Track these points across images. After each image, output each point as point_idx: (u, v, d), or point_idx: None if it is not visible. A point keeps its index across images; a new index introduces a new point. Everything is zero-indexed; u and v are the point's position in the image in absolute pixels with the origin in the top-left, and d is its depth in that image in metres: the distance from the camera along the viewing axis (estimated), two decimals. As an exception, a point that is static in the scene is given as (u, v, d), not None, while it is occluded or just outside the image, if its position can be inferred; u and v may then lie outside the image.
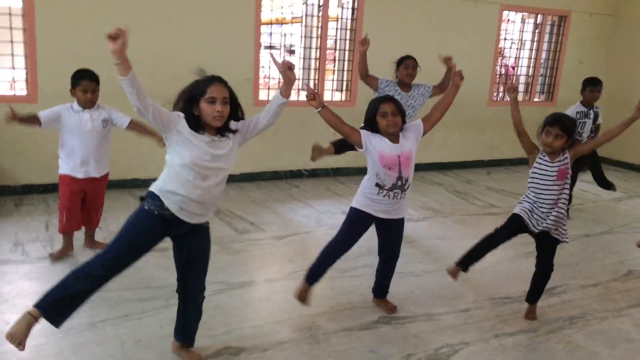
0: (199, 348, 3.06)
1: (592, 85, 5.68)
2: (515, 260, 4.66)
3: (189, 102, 2.59)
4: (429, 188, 6.82)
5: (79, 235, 4.38)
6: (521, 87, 8.55)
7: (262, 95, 6.62)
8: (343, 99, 7.00)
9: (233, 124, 2.74)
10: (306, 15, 6.69)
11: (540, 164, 3.48)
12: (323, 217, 5.42)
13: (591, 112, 5.70)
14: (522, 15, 8.20)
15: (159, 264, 4.14)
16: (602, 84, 5.77)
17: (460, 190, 6.79)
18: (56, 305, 2.62)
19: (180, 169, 2.61)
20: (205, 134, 2.61)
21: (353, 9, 6.74)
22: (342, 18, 6.83)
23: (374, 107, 3.25)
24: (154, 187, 2.71)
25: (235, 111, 2.72)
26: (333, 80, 7.07)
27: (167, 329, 3.23)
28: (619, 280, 4.37)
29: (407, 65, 4.90)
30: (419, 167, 7.33)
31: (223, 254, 4.42)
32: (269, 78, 6.97)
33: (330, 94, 6.98)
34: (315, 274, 3.51)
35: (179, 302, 2.95)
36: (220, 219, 5.21)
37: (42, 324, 3.12)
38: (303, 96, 6.79)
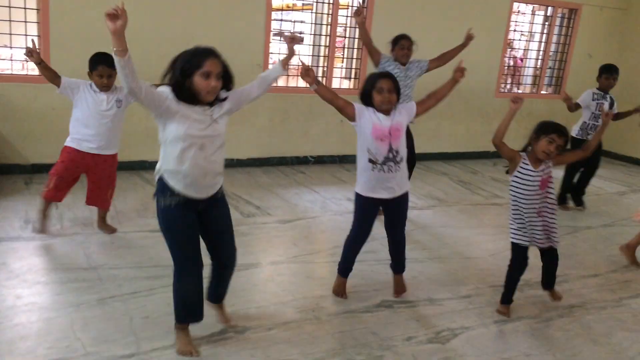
0: (206, 325, 3.14)
1: (607, 73, 5.72)
2: (517, 249, 4.71)
3: (182, 74, 2.55)
4: (435, 177, 6.86)
5: (88, 215, 4.47)
6: (529, 80, 8.56)
7: (271, 81, 6.67)
8: (352, 86, 7.03)
9: (223, 92, 2.73)
10: (317, 1, 6.70)
11: (523, 171, 3.38)
12: (328, 203, 5.49)
13: (607, 96, 5.72)
14: (533, 7, 8.19)
15: (165, 244, 4.21)
16: (618, 72, 5.78)
17: (465, 180, 6.84)
18: (186, 313, 2.90)
19: (176, 143, 2.61)
20: (197, 105, 2.61)
21: (363, -4, 6.76)
22: (352, 5, 6.85)
23: (371, 81, 3.30)
24: (156, 173, 2.76)
25: (227, 82, 2.71)
26: (342, 68, 7.10)
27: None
28: (618, 272, 4.42)
29: (402, 45, 5.02)
30: (425, 157, 7.39)
31: (229, 236, 4.49)
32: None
33: (339, 81, 7.01)
34: (345, 267, 3.63)
35: (213, 270, 3.03)
36: (228, 202, 5.27)
37: (51, 298, 3.23)
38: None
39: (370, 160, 3.31)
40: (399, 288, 3.70)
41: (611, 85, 5.72)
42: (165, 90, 2.59)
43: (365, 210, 3.48)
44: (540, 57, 8.37)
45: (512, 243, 3.54)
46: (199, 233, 2.83)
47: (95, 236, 4.27)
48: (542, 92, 8.54)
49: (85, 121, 4.02)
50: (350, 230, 3.60)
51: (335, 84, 6.95)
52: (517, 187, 3.41)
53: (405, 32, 6.87)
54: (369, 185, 3.38)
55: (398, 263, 3.70)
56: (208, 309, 3.08)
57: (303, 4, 6.76)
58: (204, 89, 2.55)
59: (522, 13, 8.26)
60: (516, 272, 3.56)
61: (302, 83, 6.88)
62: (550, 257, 3.63)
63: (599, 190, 6.89)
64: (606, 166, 8.29)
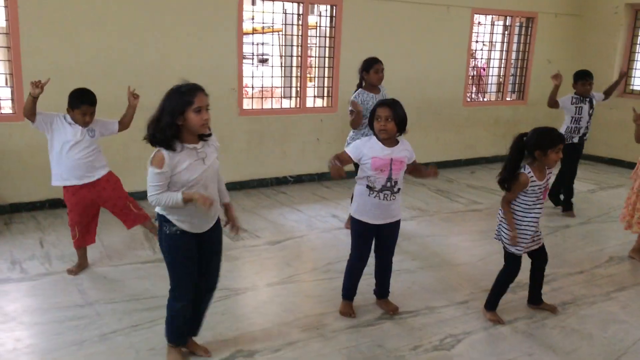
0: (212, 352, 3.14)
1: (582, 80, 5.83)
2: (503, 253, 4.83)
3: (173, 115, 2.61)
4: (413, 188, 6.98)
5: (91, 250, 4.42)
6: (493, 87, 8.83)
7: (246, 104, 6.71)
8: (324, 105, 7.13)
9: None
10: (286, 24, 6.81)
11: (533, 186, 3.39)
12: (314, 221, 5.53)
13: (586, 99, 5.88)
14: (492, 18, 8.47)
15: (160, 275, 4.17)
16: (592, 77, 5.90)
17: (443, 189, 6.98)
18: (179, 334, 3.03)
19: (181, 187, 2.71)
20: (189, 146, 2.70)
21: (331, 16, 6.89)
22: (320, 26, 6.98)
23: (373, 109, 3.40)
24: (160, 210, 2.81)
25: None
26: (314, 87, 7.20)
27: (179, 336, 3.31)
28: (602, 267, 4.59)
29: (377, 69, 5.02)
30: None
31: (222, 262, 4.47)
32: (251, 87, 7.06)
33: (313, 100, 7.11)
34: (349, 292, 3.68)
35: (197, 297, 3.02)
36: (214, 227, 5.27)
37: (51, 338, 3.17)
38: (285, 104, 6.93)
39: (368, 187, 3.39)
40: (391, 308, 3.72)
41: (587, 91, 5.86)
42: (161, 157, 2.64)
43: (362, 235, 3.53)
44: (502, 65, 8.65)
45: (513, 255, 3.56)
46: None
47: (87, 272, 4.21)
48: (507, 98, 8.81)
49: (59, 156, 3.99)
50: (349, 256, 3.64)
51: (309, 103, 7.04)
52: (527, 203, 3.44)
53: (372, 49, 7.05)
54: (364, 208, 3.44)
55: (383, 287, 3.76)
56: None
57: (273, 28, 6.83)
58: (198, 122, 2.65)
59: (483, 24, 8.54)
60: (511, 279, 3.63)
61: (276, 104, 6.96)
62: (543, 254, 3.72)
63: (571, 190, 7.11)
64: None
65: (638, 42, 8.50)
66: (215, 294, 3.84)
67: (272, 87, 6.83)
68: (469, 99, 8.45)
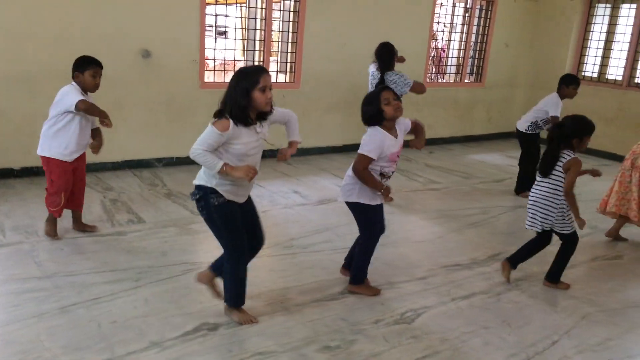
0: (177, 324, 3.14)
1: (575, 84, 5.90)
2: (460, 231, 4.99)
3: (244, 94, 2.84)
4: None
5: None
6: (452, 69, 8.96)
7: (208, 76, 6.60)
8: (287, 80, 7.09)
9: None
10: (249, -4, 6.70)
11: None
12: (276, 197, 5.54)
13: None
14: (453, 0, 8.56)
15: (120, 247, 4.14)
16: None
17: (402, 168, 7.08)
18: (242, 297, 3.24)
19: (236, 161, 2.93)
20: (251, 125, 2.92)
21: (296, -9, 6.82)
22: (284, 0, 6.89)
23: (375, 98, 3.42)
24: (205, 182, 3.01)
25: None
26: (277, 62, 7.14)
27: (142, 309, 3.29)
28: (552, 245, 4.75)
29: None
30: (355, 148, 7.57)
31: (182, 235, 4.46)
32: (212, 60, 6.93)
33: (275, 75, 7.05)
34: (364, 274, 3.71)
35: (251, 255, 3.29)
36: (174, 201, 5.22)
37: (10, 311, 3.11)
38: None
39: (382, 174, 3.49)
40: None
41: (573, 96, 5.97)
42: (222, 134, 2.86)
43: (376, 216, 3.62)
44: (462, 48, 8.78)
45: (574, 234, 3.88)
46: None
47: (43, 244, 4.11)
48: (465, 80, 8.97)
49: (78, 132, 4.02)
50: (363, 241, 3.65)
51: (272, 78, 6.97)
52: (562, 184, 3.74)
53: (336, 26, 7.05)
54: (373, 194, 3.51)
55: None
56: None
57: (236, -1, 6.72)
58: (264, 101, 2.86)
59: (445, 5, 8.61)
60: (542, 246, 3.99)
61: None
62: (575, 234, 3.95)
63: (523, 171, 7.35)
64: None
65: (591, 30, 8.76)
66: (178, 267, 3.89)
67: (234, 60, 6.74)
68: (428, 80, 8.56)
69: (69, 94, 3.89)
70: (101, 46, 5.60)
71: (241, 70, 2.93)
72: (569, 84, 5.91)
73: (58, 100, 3.93)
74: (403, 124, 3.59)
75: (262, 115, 2.98)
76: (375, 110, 3.41)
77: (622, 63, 8.38)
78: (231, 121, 2.86)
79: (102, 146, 4.21)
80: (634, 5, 8.18)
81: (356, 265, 3.68)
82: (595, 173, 4.02)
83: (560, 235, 3.91)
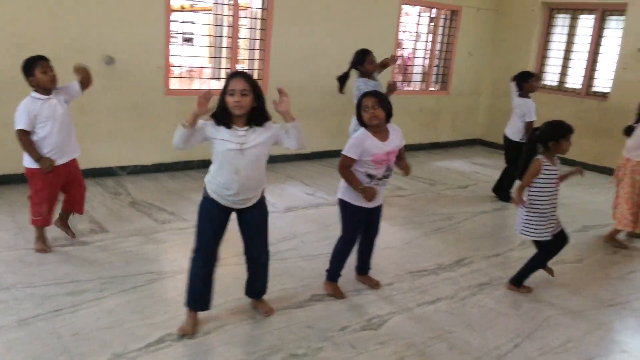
0: (139, 337, 3.09)
1: (532, 77, 6.13)
2: (426, 237, 5.04)
3: (222, 98, 2.96)
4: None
5: None
6: (418, 77, 9.08)
7: (173, 83, 6.54)
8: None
9: (271, 124, 3.07)
10: (216, 3, 6.67)
11: (547, 172, 3.74)
12: (242, 205, 5.51)
13: None
14: (419, 9, 8.70)
15: (82, 258, 4.06)
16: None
17: (369, 175, 7.15)
18: (190, 299, 3.21)
19: (216, 160, 3.05)
20: (233, 127, 2.97)
21: (262, -1, 6.83)
22: (252, 7, 6.89)
23: (358, 103, 3.50)
24: (205, 177, 3.17)
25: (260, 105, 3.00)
26: (244, 69, 7.12)
27: (105, 320, 3.23)
28: (515, 250, 4.88)
29: (371, 60, 5.47)
30: (329, 154, 7.59)
31: (147, 245, 4.39)
32: (178, 67, 6.88)
33: (241, 83, 7.02)
34: (336, 273, 3.78)
35: (248, 266, 3.41)
36: (138, 210, 5.14)
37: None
38: (214, 85, 6.81)
39: (369, 175, 3.51)
40: (374, 283, 3.94)
41: (536, 88, 6.24)
42: (206, 123, 3.00)
43: (357, 217, 3.64)
44: (427, 56, 8.91)
45: (539, 242, 3.90)
46: (223, 231, 3.20)
47: (1, 254, 3.99)
48: (431, 88, 9.10)
49: (46, 137, 3.90)
50: (340, 239, 3.73)
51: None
52: (542, 188, 3.76)
53: (303, 34, 7.08)
54: (358, 198, 3.54)
55: (365, 264, 3.97)
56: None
57: (203, 6, 6.67)
58: (230, 104, 2.92)
59: (410, 15, 8.74)
60: (545, 261, 4.01)
61: (204, 85, 6.83)
62: (563, 236, 3.98)
63: (487, 178, 7.49)
64: (489, 156, 9.05)
65: (551, 40, 9.00)
66: (142, 277, 3.82)
67: (200, 67, 6.70)
68: (395, 88, 8.64)
69: (16, 117, 3.84)
70: (63, 52, 5.49)
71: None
72: (527, 78, 6.10)
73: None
74: (398, 136, 3.61)
75: (254, 121, 2.98)
76: (358, 113, 3.51)
77: (581, 72, 8.63)
78: (210, 121, 2.99)
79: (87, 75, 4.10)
80: (592, 16, 8.44)
81: (330, 261, 3.78)
82: (579, 172, 3.97)
83: (535, 243, 3.98)
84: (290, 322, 3.38)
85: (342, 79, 5.56)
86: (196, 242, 3.17)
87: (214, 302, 3.51)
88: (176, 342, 3.08)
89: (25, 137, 3.83)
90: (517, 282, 4.06)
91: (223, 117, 2.96)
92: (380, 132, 3.50)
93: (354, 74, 5.59)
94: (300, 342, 3.17)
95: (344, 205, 3.64)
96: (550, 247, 3.94)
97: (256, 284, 3.47)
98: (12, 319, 3.16)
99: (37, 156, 3.86)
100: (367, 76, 5.47)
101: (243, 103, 2.89)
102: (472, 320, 3.58)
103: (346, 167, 3.50)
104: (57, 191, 4.12)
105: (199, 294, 3.21)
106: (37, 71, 3.81)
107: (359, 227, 3.70)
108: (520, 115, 6.14)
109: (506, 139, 6.35)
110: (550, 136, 3.74)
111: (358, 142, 3.46)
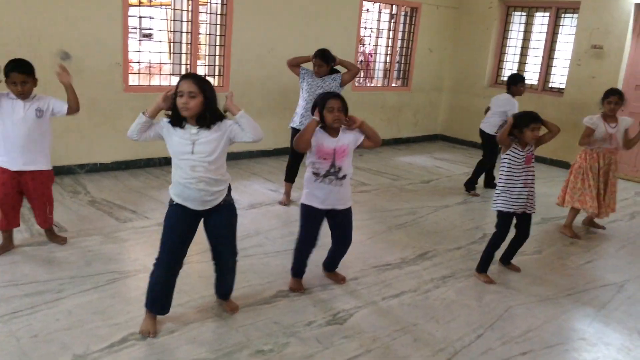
0: (102, 336, 3.03)
1: (522, 82, 6.41)
2: (389, 231, 5.09)
3: (174, 99, 2.96)
4: (303, 170, 7.10)
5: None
6: (380, 74, 9.15)
7: (132, 79, 6.41)
8: (216, 84, 7.00)
9: (227, 122, 3.05)
10: (175, -2, 6.57)
11: (513, 153, 4.04)
12: (206, 202, 5.45)
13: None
14: (379, 6, 8.76)
15: (40, 258, 3.95)
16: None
17: (332, 171, 7.17)
18: (150, 301, 3.16)
19: (173, 162, 3.05)
20: (185, 126, 2.98)
21: (223, -6, 6.76)
22: (211, 2, 6.81)
23: (322, 101, 3.50)
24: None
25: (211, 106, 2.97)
26: (205, 65, 7.04)
27: (65, 321, 3.16)
28: (477, 243, 4.98)
29: (313, 63, 5.38)
30: (289, 151, 7.57)
31: (108, 244, 4.30)
32: (137, 63, 6.74)
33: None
34: (299, 269, 3.81)
35: (216, 268, 3.38)
36: (98, 209, 5.02)
37: None
38: (174, 81, 6.72)
39: (314, 173, 3.55)
40: (340, 279, 3.98)
41: (522, 93, 6.43)
42: (161, 122, 3.05)
43: (309, 217, 3.66)
44: (389, 52, 8.99)
45: (500, 212, 4.11)
46: (192, 236, 3.17)
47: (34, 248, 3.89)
48: (393, 84, 9.18)
49: (5, 133, 3.77)
50: (297, 238, 3.76)
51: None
52: (509, 165, 4.07)
53: (263, 30, 7.05)
54: (312, 193, 3.59)
55: (333, 263, 3.99)
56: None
57: (162, 0, 6.56)
58: (178, 106, 2.92)
59: (371, 11, 8.80)
60: (500, 240, 4.17)
61: (164, 81, 6.72)
62: (526, 222, 4.22)
63: (449, 173, 7.62)
64: (450, 151, 9.19)
65: (509, 37, 9.20)
66: (103, 277, 3.75)
67: (160, 63, 6.59)
68: (357, 84, 8.70)
69: None
70: (15, 48, 5.33)
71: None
72: (517, 82, 6.38)
73: None
74: (353, 135, 3.61)
75: (205, 121, 2.96)
76: (319, 108, 3.50)
77: (537, 68, 8.85)
78: (165, 120, 3.03)
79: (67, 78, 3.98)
80: (547, 13, 8.66)
81: (293, 259, 3.83)
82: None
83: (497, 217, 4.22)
84: (256, 318, 3.36)
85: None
86: (161, 250, 3.12)
87: (179, 300, 3.48)
88: (140, 341, 3.03)
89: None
90: (481, 268, 4.21)
91: (176, 117, 2.97)
92: (333, 131, 3.57)
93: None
94: (267, 338, 3.16)
95: (302, 207, 3.68)
96: (506, 224, 4.13)
97: (225, 286, 3.44)
98: (-34, 322, 3.06)
99: None
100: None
101: (190, 105, 2.89)
102: (436, 313, 3.63)
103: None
104: (10, 194, 3.93)
105: (159, 298, 3.16)
106: (8, 80, 3.73)
107: (312, 228, 3.70)
108: (500, 113, 6.38)
109: (483, 133, 6.61)
110: (515, 125, 4.01)
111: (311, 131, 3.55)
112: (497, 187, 4.17)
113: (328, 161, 3.54)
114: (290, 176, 5.68)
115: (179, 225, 3.10)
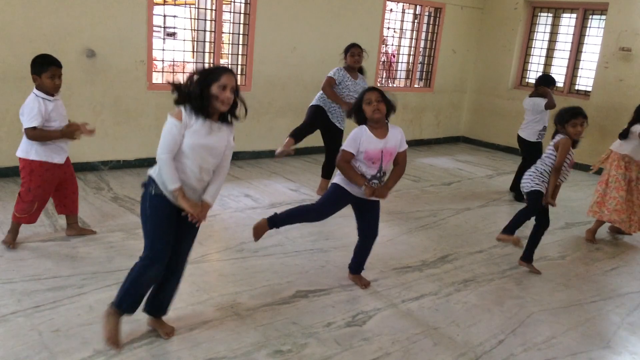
0: (122, 333, 3.04)
1: (552, 84, 6.29)
2: (410, 233, 5.05)
3: (202, 86, 2.73)
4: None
5: None
6: (402, 74, 9.09)
7: (156, 78, 6.46)
8: (239, 83, 7.01)
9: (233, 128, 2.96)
10: (199, -3, 6.61)
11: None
12: (227, 201, 5.46)
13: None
14: (403, 6, 8.70)
15: (63, 253, 3.99)
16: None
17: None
18: (132, 302, 2.94)
19: (182, 152, 2.78)
20: (207, 120, 2.78)
21: (246, -7, 6.77)
22: (235, 1, 6.83)
23: (359, 97, 3.50)
24: (153, 172, 2.85)
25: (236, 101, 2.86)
26: (228, 64, 7.06)
27: (86, 317, 3.18)
28: (498, 247, 4.90)
29: (353, 53, 5.53)
30: (314, 150, 7.57)
31: (129, 240, 4.33)
32: (161, 61, 6.79)
33: (225, 78, 6.96)
34: (278, 222, 3.72)
35: (165, 276, 2.98)
36: (120, 205, 5.07)
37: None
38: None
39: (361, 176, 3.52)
40: (363, 283, 3.90)
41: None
42: (175, 130, 2.75)
43: (338, 198, 3.66)
44: (411, 53, 8.92)
45: (536, 191, 4.24)
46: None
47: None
48: (415, 85, 9.12)
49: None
50: (310, 205, 3.79)
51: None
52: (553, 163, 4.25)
53: (287, 29, 7.05)
54: (349, 186, 3.57)
55: (358, 264, 3.92)
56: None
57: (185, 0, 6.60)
58: (220, 98, 2.74)
59: (394, 11, 8.74)
60: (531, 213, 4.32)
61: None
62: (546, 214, 4.35)
63: (471, 175, 7.54)
64: (473, 153, 9.10)
65: (534, 38, 9.07)
66: (124, 273, 3.73)
67: (183, 61, 6.62)
68: (379, 84, 8.65)
69: (24, 114, 3.75)
70: (43, 45, 5.41)
71: (205, 68, 2.86)
72: (549, 84, 6.23)
73: (20, 113, 3.79)
74: (400, 136, 3.58)
75: (224, 117, 2.86)
76: (357, 106, 3.50)
77: (563, 70, 8.71)
78: (183, 109, 2.76)
79: (77, 131, 3.90)
80: (574, 15, 8.52)
81: (286, 214, 3.75)
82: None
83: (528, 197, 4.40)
84: (275, 318, 3.35)
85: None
86: (151, 248, 2.84)
87: (199, 298, 3.51)
88: (160, 338, 3.04)
89: (37, 131, 3.75)
90: (530, 256, 4.38)
91: (202, 107, 2.75)
92: (379, 128, 3.50)
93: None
94: (285, 338, 3.15)
95: (334, 186, 3.66)
96: (537, 203, 4.25)
97: (165, 298, 3.09)
98: (-10, 315, 3.10)
99: (58, 133, 3.80)
100: (349, 70, 5.61)
101: (231, 100, 2.79)
102: (456, 317, 3.58)
103: (345, 162, 3.52)
104: (52, 191, 4.02)
105: (140, 298, 2.96)
106: (44, 75, 3.74)
107: (335, 209, 3.70)
108: (533, 115, 6.24)
109: (522, 140, 6.42)
110: (558, 120, 4.22)
111: (355, 136, 3.50)
112: (532, 175, 4.30)
113: (376, 165, 3.50)
114: (328, 173, 5.84)
115: (169, 217, 2.84)
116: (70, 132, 3.82)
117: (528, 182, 4.33)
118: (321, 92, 5.66)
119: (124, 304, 2.91)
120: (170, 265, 2.95)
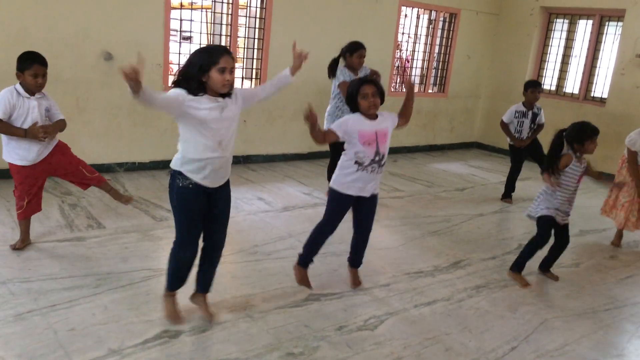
0: (136, 333, 3.08)
1: (532, 87, 6.23)
2: (423, 238, 5.04)
3: (199, 70, 2.77)
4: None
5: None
6: (417, 79, 9.09)
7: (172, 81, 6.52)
8: (253, 87, 7.06)
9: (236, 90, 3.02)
10: (215, 1, 6.66)
11: (574, 168, 4.02)
12: (240, 204, 5.50)
13: (529, 112, 6.26)
14: (418, 11, 8.71)
15: (79, 253, 4.04)
16: (541, 86, 6.45)
17: (366, 176, 7.14)
18: (178, 281, 3.22)
19: (195, 135, 2.84)
20: (210, 97, 2.83)
21: (262, -3, 6.82)
22: (250, 6, 6.88)
23: (355, 88, 3.49)
24: (174, 164, 2.98)
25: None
26: (243, 68, 7.11)
27: (101, 316, 3.22)
28: (512, 253, 4.88)
29: (361, 54, 5.58)
30: (324, 155, 7.58)
31: (144, 241, 4.38)
32: (177, 64, 6.84)
33: (240, 82, 7.02)
34: (308, 257, 3.80)
35: (202, 255, 3.24)
36: (135, 207, 5.11)
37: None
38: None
39: (357, 163, 3.51)
40: (355, 280, 3.93)
41: (537, 98, 6.24)
42: (180, 92, 2.78)
43: (340, 205, 3.67)
44: (426, 58, 8.92)
45: (544, 217, 4.10)
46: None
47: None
48: (429, 91, 9.11)
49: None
50: (319, 223, 3.76)
51: (237, 84, 6.94)
52: (568, 180, 4.04)
53: (302, 33, 7.08)
54: (346, 181, 3.58)
55: (357, 258, 3.93)
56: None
57: (202, 4, 6.66)
58: (220, 82, 2.79)
59: (409, 16, 8.74)
60: (541, 243, 4.15)
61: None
62: (566, 233, 4.24)
63: (484, 181, 7.51)
64: (486, 159, 9.07)
65: (550, 44, 9.03)
66: (139, 274, 3.80)
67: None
68: (393, 89, 8.66)
69: None
70: (62, 48, 5.49)
71: (202, 47, 2.89)
72: (525, 89, 6.28)
73: None
74: (390, 118, 3.62)
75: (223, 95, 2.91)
76: (352, 97, 3.51)
77: (579, 77, 8.65)
78: (181, 90, 2.80)
79: (52, 131, 3.88)
80: (590, 21, 8.47)
81: (305, 245, 3.80)
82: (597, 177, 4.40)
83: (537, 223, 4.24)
84: (287, 321, 3.37)
85: (332, 66, 5.64)
86: (182, 235, 3.06)
87: (212, 299, 3.51)
88: (173, 339, 3.07)
89: (1, 124, 3.69)
90: (517, 267, 4.25)
91: (198, 87, 2.79)
92: (371, 114, 3.54)
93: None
94: (297, 341, 3.16)
95: (331, 192, 3.67)
96: (547, 230, 4.12)
97: (207, 277, 3.34)
98: (8, 313, 3.15)
99: (21, 132, 3.72)
100: (351, 69, 5.60)
101: (232, 80, 2.84)
102: (469, 323, 3.58)
103: (322, 141, 3.52)
104: (37, 185, 3.99)
105: (183, 276, 3.21)
106: (27, 72, 3.71)
107: (339, 215, 3.70)
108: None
109: (510, 146, 6.60)
110: (575, 138, 3.98)
111: (344, 120, 3.53)
112: (540, 198, 4.16)
113: (372, 147, 3.49)
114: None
115: (198, 202, 2.99)
116: (32, 132, 3.73)
117: (535, 207, 4.20)
118: (330, 107, 5.65)
119: (169, 285, 3.22)
120: (206, 248, 3.22)
